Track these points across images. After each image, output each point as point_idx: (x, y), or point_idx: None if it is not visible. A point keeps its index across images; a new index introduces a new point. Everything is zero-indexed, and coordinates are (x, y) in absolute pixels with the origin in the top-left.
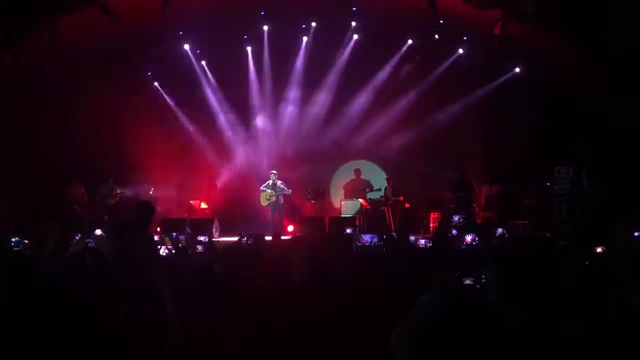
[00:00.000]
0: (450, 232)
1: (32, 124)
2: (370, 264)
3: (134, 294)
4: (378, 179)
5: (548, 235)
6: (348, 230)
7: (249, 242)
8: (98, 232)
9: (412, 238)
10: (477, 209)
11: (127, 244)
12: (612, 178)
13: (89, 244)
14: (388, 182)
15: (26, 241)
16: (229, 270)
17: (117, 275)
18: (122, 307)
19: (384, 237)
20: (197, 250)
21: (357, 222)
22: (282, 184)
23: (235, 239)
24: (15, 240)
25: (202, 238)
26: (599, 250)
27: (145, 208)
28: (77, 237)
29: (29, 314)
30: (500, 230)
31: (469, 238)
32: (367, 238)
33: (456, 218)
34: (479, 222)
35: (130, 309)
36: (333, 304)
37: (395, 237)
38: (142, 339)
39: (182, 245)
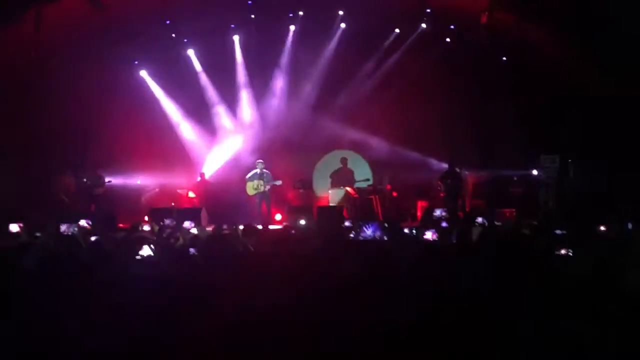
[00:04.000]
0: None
1: (18, 114)
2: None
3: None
4: (362, 171)
5: (535, 223)
6: (347, 224)
7: (225, 231)
8: (83, 222)
9: None
10: (465, 197)
11: None
12: (598, 166)
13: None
14: (386, 174)
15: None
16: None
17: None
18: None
19: (385, 225)
20: (179, 242)
21: (344, 212)
22: (269, 175)
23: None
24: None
25: (188, 224)
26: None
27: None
28: (65, 227)
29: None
30: (480, 220)
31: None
32: (369, 232)
33: (437, 212)
34: (467, 209)
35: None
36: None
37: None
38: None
39: (166, 235)
